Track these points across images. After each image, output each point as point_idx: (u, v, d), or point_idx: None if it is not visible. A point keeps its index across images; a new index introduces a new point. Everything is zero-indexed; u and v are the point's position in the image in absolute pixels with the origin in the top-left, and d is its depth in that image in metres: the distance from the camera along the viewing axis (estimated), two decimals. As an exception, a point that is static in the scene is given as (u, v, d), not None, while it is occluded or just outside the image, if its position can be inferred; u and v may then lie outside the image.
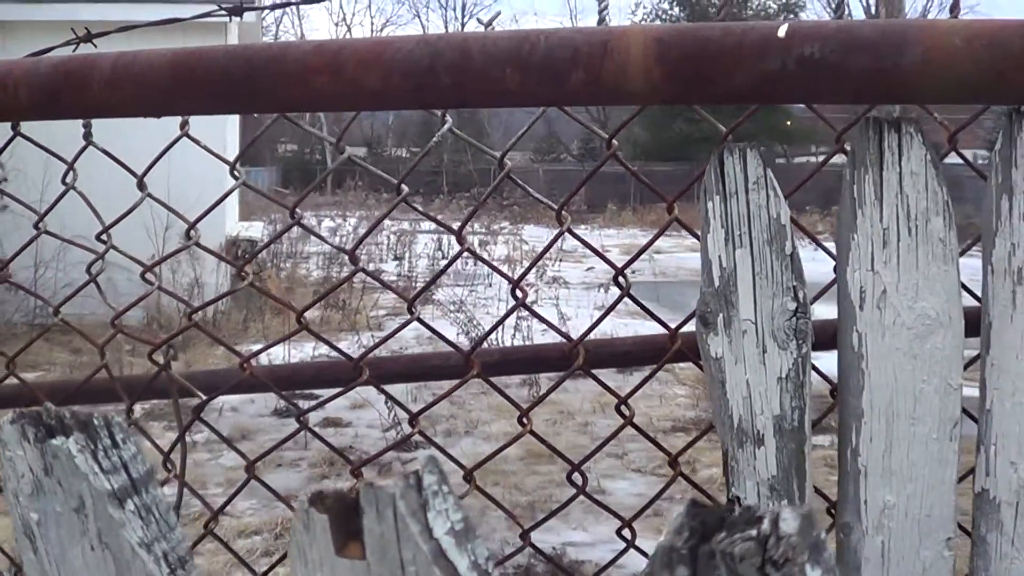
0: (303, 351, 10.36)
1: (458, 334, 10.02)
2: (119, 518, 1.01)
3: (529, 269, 1.89)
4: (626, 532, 1.60)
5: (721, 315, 1.33)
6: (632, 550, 1.56)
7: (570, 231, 1.60)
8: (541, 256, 1.96)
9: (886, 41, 1.15)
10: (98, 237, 1.76)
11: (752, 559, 0.60)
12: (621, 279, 1.59)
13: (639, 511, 1.65)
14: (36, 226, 1.81)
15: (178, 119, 1.63)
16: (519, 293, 1.62)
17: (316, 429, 7.22)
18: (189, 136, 1.66)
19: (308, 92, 1.36)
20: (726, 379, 1.34)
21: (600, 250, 1.79)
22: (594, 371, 1.69)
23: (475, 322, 10.84)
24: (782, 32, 1.18)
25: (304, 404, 9.25)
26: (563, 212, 1.60)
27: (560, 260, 17.03)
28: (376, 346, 1.84)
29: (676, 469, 1.61)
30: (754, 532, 0.61)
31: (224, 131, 12.91)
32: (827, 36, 1.17)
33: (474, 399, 9.56)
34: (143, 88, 1.41)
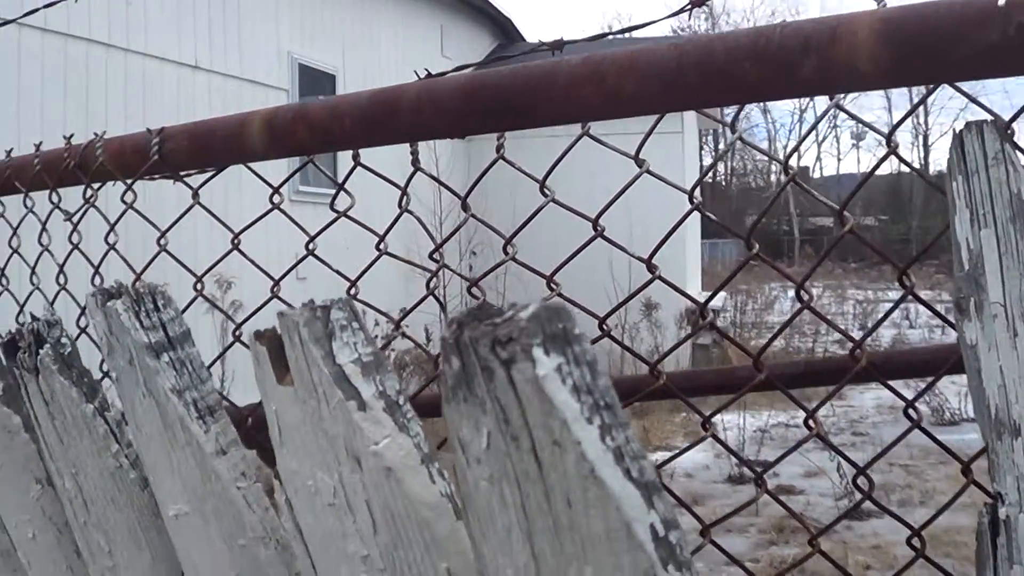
0: (760, 418, 10.38)
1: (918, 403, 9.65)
2: (154, 367, 1.17)
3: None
4: None
5: (973, 300, 1.28)
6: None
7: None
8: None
9: (1109, -1, 1.09)
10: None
11: (484, 339, 0.63)
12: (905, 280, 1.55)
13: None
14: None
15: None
16: (804, 296, 1.61)
17: (768, 497, 7.18)
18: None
19: (575, 103, 1.44)
20: (981, 367, 1.28)
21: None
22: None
23: (935, 391, 10.40)
24: (1001, 1, 1.14)
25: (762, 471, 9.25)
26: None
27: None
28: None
29: (969, 477, 1.54)
30: (497, 320, 0.63)
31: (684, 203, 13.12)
32: (1048, 0, 1.12)
33: (931, 468, 9.16)
34: (440, 111, 1.55)
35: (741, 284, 20.53)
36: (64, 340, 1.42)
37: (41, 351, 1.42)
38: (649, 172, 1.76)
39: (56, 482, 1.53)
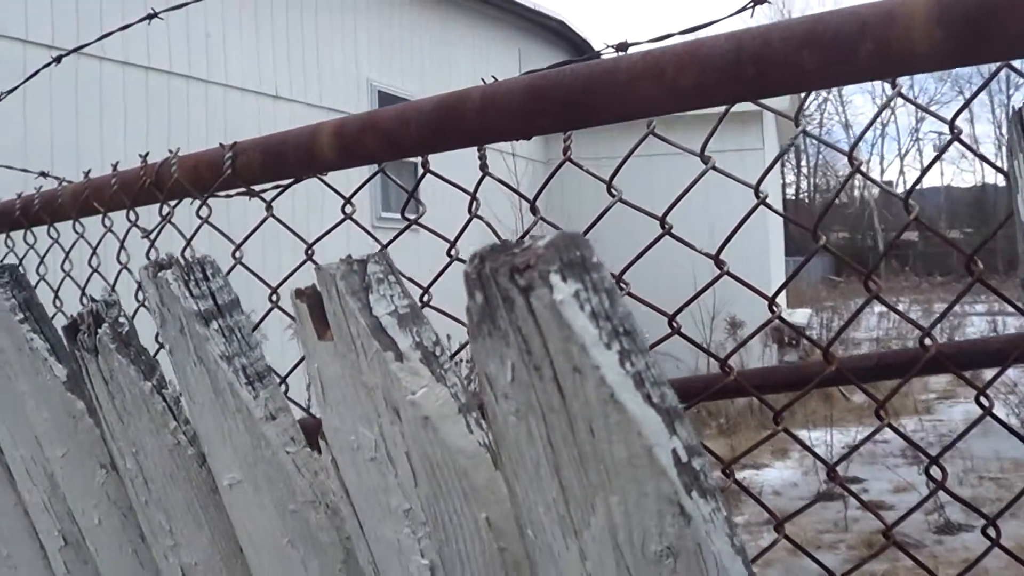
0: (848, 434, 10.28)
1: (1008, 415, 9.52)
2: (203, 334, 1.19)
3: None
4: None
5: (1038, 280, 1.27)
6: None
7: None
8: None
9: None
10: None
11: (503, 268, 0.64)
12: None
13: None
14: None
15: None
16: (872, 286, 1.60)
17: (858, 513, 6.95)
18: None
19: (635, 98, 1.45)
20: (1049, 347, 1.27)
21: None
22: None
23: (1028, 403, 10.23)
24: (1060, -27, 1.13)
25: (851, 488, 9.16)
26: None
27: None
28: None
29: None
30: (516, 250, 0.64)
31: (766, 215, 13.15)
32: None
33: (1023, 481, 9.01)
34: (504, 112, 1.55)
35: (827, 301, 20.30)
36: (122, 319, 1.46)
37: (100, 330, 1.45)
38: (715, 168, 1.76)
39: (118, 463, 1.56)
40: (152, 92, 8.14)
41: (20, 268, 2.38)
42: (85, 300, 2.32)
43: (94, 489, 1.63)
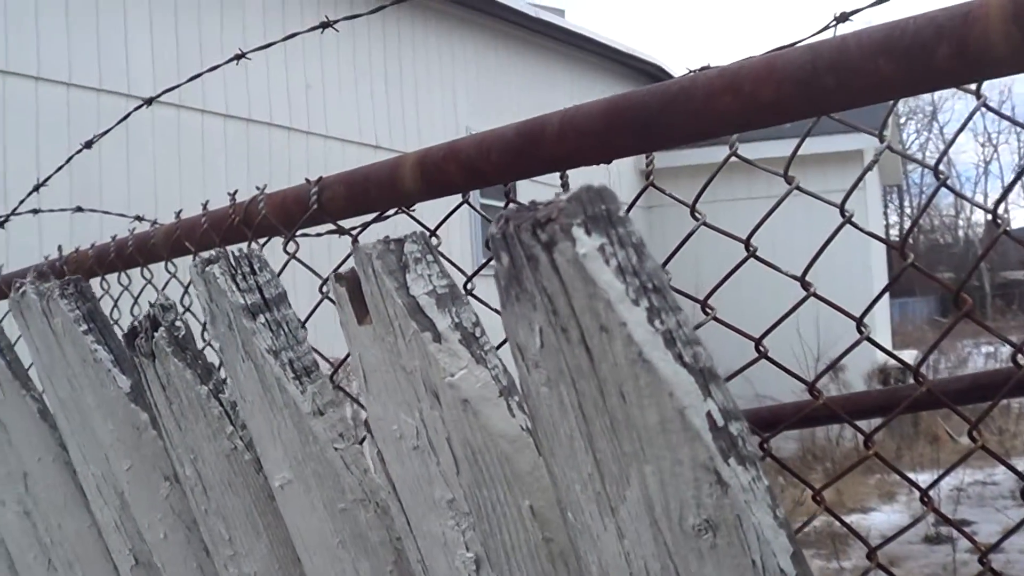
0: (956, 476, 10.06)
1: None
2: (251, 328, 1.17)
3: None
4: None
5: None
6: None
7: None
8: None
9: None
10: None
11: (526, 224, 0.62)
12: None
13: None
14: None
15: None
16: (962, 304, 1.56)
17: (967, 556, 6.82)
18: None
19: (712, 115, 1.43)
20: None
21: None
22: None
23: None
24: None
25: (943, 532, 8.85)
26: None
27: None
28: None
29: None
30: (539, 206, 0.62)
31: (868, 257, 12.98)
32: None
33: None
34: (583, 135, 1.55)
35: (933, 342, 20.00)
36: (178, 323, 1.46)
37: (156, 334, 1.46)
38: (799, 188, 1.73)
39: (178, 472, 1.56)
40: (253, 143, 8.33)
41: (115, 309, 2.43)
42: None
43: (159, 502, 1.63)
